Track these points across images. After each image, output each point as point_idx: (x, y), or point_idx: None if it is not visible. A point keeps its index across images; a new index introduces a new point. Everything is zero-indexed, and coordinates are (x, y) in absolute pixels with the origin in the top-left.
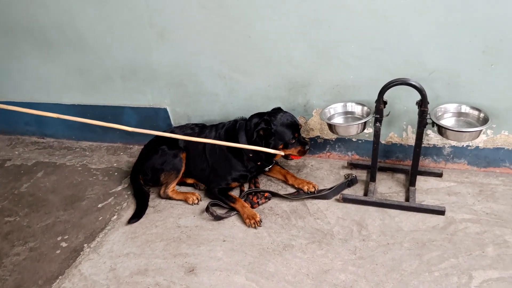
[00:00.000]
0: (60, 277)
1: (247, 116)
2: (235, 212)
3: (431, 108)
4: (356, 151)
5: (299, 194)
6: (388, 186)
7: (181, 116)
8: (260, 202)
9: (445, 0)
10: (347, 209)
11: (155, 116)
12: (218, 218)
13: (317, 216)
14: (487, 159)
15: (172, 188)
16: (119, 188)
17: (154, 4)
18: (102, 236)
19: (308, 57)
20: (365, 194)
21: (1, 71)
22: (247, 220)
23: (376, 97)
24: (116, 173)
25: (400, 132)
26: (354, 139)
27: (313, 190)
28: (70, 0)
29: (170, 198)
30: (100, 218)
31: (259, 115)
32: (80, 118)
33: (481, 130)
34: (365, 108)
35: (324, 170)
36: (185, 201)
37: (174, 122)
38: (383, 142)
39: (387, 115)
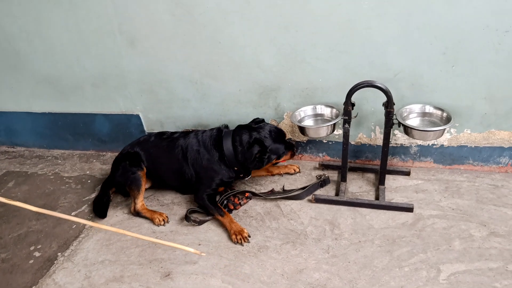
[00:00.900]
0: (33, 287)
1: (221, 122)
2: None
3: (397, 109)
4: (327, 152)
5: (273, 193)
6: (358, 186)
7: (154, 122)
8: (242, 202)
9: (405, 4)
10: (320, 209)
11: (127, 123)
12: (201, 222)
13: (290, 217)
14: (451, 156)
15: (141, 203)
16: (93, 195)
17: (123, 11)
18: (76, 244)
19: (276, 61)
20: (337, 194)
21: None
22: (234, 236)
23: (344, 99)
24: (89, 181)
25: (368, 132)
26: (324, 141)
27: (298, 170)
28: (37, 8)
29: (139, 215)
30: (73, 227)
31: (248, 129)
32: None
33: (444, 129)
34: (334, 110)
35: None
36: (152, 220)
37: (147, 129)
38: (352, 142)
39: (355, 116)
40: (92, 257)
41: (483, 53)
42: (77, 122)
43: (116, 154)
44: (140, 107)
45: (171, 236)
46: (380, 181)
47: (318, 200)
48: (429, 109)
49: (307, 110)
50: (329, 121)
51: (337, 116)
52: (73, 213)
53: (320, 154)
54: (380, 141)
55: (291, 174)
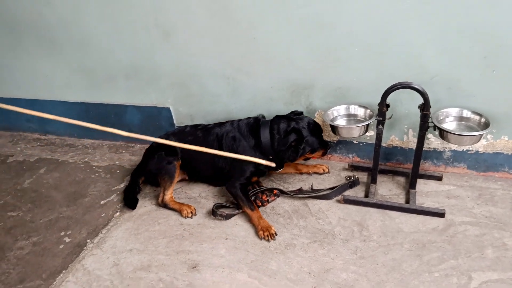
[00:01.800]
0: (63, 271)
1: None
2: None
3: (432, 112)
4: (357, 153)
5: (301, 192)
6: (388, 188)
7: (184, 116)
8: (269, 199)
9: (446, 6)
10: (348, 210)
11: (158, 116)
12: (228, 217)
13: (318, 216)
14: (486, 163)
15: (170, 195)
16: (122, 185)
17: (160, 4)
18: (105, 232)
19: (310, 60)
20: (366, 196)
21: (5, 68)
22: (261, 232)
23: (378, 100)
24: (118, 171)
25: (401, 135)
26: (355, 142)
27: (327, 170)
28: None
29: (166, 207)
30: (103, 215)
31: (287, 119)
32: (77, 121)
33: (482, 135)
34: (368, 110)
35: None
36: (180, 212)
37: (177, 122)
38: (384, 145)
39: (390, 118)
40: (121, 245)
41: None
42: (109, 113)
43: (145, 146)
44: (171, 100)
45: (198, 229)
46: (411, 185)
47: (347, 201)
48: (466, 113)
49: (340, 110)
50: (362, 121)
51: (370, 117)
52: (102, 202)
53: (350, 155)
54: (412, 144)
55: (320, 174)
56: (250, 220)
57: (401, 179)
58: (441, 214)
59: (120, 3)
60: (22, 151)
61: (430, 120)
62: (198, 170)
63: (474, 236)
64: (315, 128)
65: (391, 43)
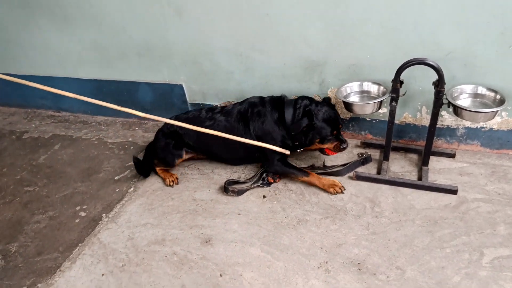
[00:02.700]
0: (80, 244)
1: (262, 94)
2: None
3: (447, 89)
4: (370, 130)
5: (313, 168)
6: (401, 165)
7: (196, 93)
8: (276, 180)
9: None
10: (360, 186)
11: (170, 93)
12: (240, 193)
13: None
14: (500, 141)
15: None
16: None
17: None
18: (120, 207)
19: (324, 36)
20: (378, 173)
21: (18, 45)
22: (331, 190)
23: (391, 77)
24: (131, 147)
25: (414, 112)
26: (368, 119)
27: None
28: None
29: (155, 171)
30: (117, 190)
31: (310, 101)
32: (95, 100)
33: (496, 112)
34: (381, 87)
35: None
36: (163, 180)
37: (190, 99)
38: (397, 122)
39: (403, 94)
40: (135, 219)
41: None
42: (121, 90)
43: (158, 123)
44: (183, 77)
45: (211, 205)
46: (424, 162)
47: (359, 178)
48: (481, 90)
49: (354, 86)
50: (376, 98)
51: (384, 94)
52: (116, 177)
53: (363, 132)
54: (425, 122)
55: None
56: (312, 185)
57: (414, 156)
58: (453, 191)
59: None
60: (37, 127)
61: (444, 97)
62: (217, 154)
63: (486, 213)
64: (330, 118)
65: (407, 19)
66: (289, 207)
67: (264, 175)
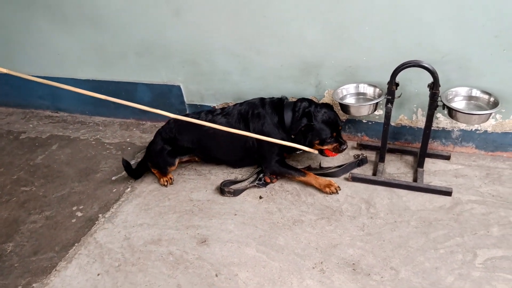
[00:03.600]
0: (76, 244)
1: (259, 95)
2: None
3: (442, 91)
4: (366, 132)
5: (310, 169)
6: (396, 167)
7: (194, 93)
8: (273, 180)
9: None
10: (356, 187)
11: (168, 93)
12: (237, 193)
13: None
14: (495, 143)
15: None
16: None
17: None
18: (116, 207)
19: (321, 38)
20: (374, 174)
21: (17, 44)
22: (327, 189)
23: (387, 79)
24: (129, 148)
25: (410, 114)
26: (364, 120)
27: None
28: None
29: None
30: (114, 190)
31: (309, 102)
32: (99, 94)
33: (490, 114)
34: (377, 89)
35: None
36: (158, 179)
37: (187, 100)
38: (392, 124)
39: (399, 96)
40: (132, 220)
41: None
42: (119, 90)
43: (156, 124)
44: (181, 78)
45: (207, 205)
46: (419, 164)
47: (355, 179)
48: (475, 92)
49: (350, 88)
50: (372, 100)
51: (379, 96)
52: (113, 178)
53: (359, 134)
54: (421, 124)
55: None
56: (309, 185)
57: (409, 158)
58: (448, 193)
59: None
60: (35, 128)
61: (439, 99)
62: (217, 156)
63: (480, 214)
64: (329, 120)
65: (403, 21)
66: (285, 207)
67: (261, 175)
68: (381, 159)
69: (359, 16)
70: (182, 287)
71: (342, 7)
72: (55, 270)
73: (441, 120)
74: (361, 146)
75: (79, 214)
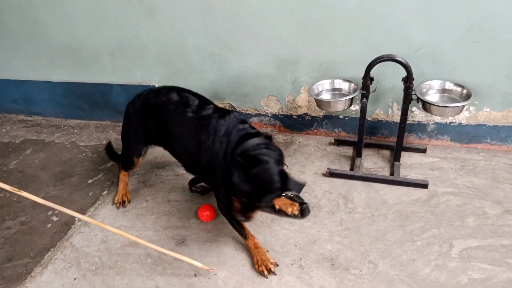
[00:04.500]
0: (52, 249)
1: (237, 95)
2: None
3: (416, 85)
4: (343, 128)
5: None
6: (373, 162)
7: None
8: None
9: None
10: (334, 183)
11: None
12: (204, 192)
13: (304, 190)
14: (469, 135)
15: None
16: (109, 164)
17: None
18: (93, 211)
19: (296, 35)
20: (351, 169)
21: None
22: (256, 266)
23: (362, 74)
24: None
25: (385, 109)
26: (341, 116)
27: (296, 213)
28: None
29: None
30: (90, 193)
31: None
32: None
33: (463, 106)
34: (352, 84)
35: (311, 146)
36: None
37: None
38: (369, 119)
39: (374, 91)
40: (109, 222)
41: (508, 31)
42: (94, 92)
43: None
44: (157, 78)
45: (185, 205)
46: (396, 158)
47: (333, 174)
48: (449, 85)
49: (325, 84)
50: (347, 95)
51: (355, 91)
52: (89, 181)
53: (336, 130)
54: (397, 118)
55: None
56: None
57: (386, 152)
58: (424, 186)
59: None
60: (8, 132)
61: (413, 92)
62: (180, 157)
63: (456, 206)
64: (259, 181)
65: (376, 16)
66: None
67: None
68: (358, 154)
69: (332, 13)
70: None
71: (315, 4)
72: (30, 276)
73: (416, 114)
74: (339, 142)
75: (54, 218)
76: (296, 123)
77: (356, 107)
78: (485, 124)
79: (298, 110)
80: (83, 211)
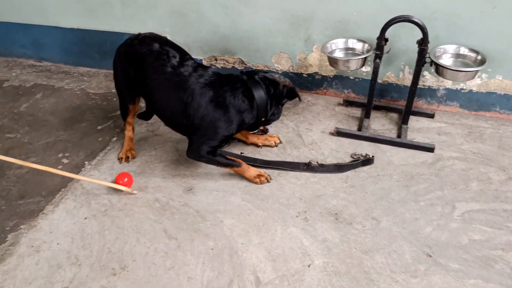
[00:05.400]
0: (62, 189)
1: (249, 50)
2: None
3: (430, 48)
4: (353, 88)
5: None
6: (381, 124)
7: (181, 45)
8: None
9: None
10: (341, 142)
11: None
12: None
13: (311, 147)
14: (478, 102)
15: (127, 127)
16: (118, 112)
17: None
18: (103, 155)
19: None
20: (359, 129)
21: None
22: (257, 180)
23: (377, 35)
24: (114, 99)
25: (397, 72)
26: (351, 77)
27: (278, 142)
28: None
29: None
30: (100, 139)
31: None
32: None
33: (477, 71)
34: (366, 45)
35: (319, 106)
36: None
37: None
38: (379, 81)
39: (388, 52)
40: (118, 167)
41: None
42: (105, 41)
43: None
44: (168, 29)
45: None
46: (404, 121)
47: (340, 134)
48: (463, 50)
49: (339, 43)
50: (360, 55)
51: (368, 51)
52: (99, 127)
53: (345, 91)
54: (407, 82)
55: (271, 147)
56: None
57: (394, 115)
58: (430, 149)
59: None
60: (18, 76)
61: (427, 55)
62: (161, 114)
63: (460, 170)
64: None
65: None
66: (271, 159)
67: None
68: (367, 115)
69: None
70: (169, 232)
71: None
72: (42, 213)
73: (427, 79)
74: (347, 103)
75: (65, 161)
76: (306, 82)
77: (367, 69)
78: (496, 92)
79: (309, 68)
80: (93, 155)
